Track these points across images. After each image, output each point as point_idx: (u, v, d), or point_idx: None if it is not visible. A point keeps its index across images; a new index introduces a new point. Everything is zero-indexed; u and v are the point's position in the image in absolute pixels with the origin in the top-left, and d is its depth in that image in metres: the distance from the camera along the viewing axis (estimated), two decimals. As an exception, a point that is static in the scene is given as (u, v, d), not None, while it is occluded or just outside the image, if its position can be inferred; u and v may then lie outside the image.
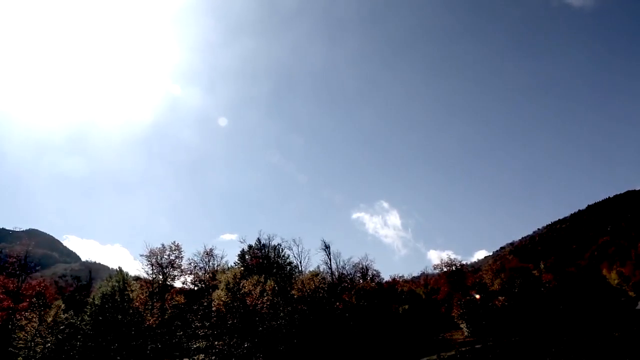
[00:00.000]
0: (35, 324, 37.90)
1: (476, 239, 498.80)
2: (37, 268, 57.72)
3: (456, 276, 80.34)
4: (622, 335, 42.25)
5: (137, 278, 50.81)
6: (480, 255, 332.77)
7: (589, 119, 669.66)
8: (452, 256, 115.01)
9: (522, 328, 57.34)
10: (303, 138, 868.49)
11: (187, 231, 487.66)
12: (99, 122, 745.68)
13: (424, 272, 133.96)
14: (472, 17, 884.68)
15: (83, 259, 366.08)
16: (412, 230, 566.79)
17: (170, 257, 49.05)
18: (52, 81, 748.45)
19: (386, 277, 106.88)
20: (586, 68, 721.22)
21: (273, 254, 62.42)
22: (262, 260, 60.42)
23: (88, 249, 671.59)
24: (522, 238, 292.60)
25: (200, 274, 56.38)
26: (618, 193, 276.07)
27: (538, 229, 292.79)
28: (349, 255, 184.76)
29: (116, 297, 40.56)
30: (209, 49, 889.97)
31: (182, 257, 49.36)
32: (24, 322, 38.31)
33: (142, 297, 43.40)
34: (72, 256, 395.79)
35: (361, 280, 69.26)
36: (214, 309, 42.87)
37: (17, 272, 50.81)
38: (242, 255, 62.20)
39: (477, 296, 70.87)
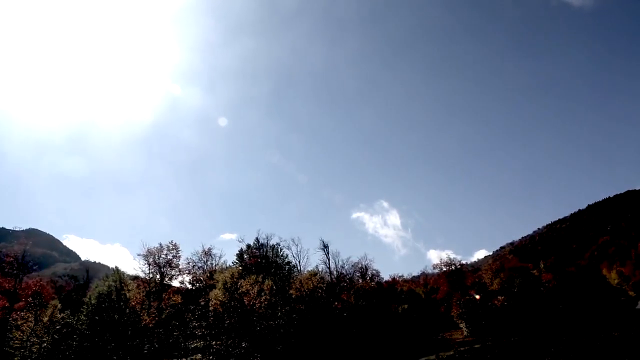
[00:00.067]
0: (31, 324, 37.67)
1: (476, 239, 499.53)
2: (35, 267, 57.57)
3: (455, 276, 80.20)
4: (622, 335, 42.03)
5: (135, 277, 50.63)
6: (480, 255, 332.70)
7: (589, 119, 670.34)
8: (452, 256, 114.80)
9: (521, 328, 57.11)
10: (303, 138, 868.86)
11: (187, 231, 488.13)
12: (99, 122, 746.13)
13: (423, 272, 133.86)
14: (472, 17, 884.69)
15: (83, 259, 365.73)
16: (412, 230, 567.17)
17: (168, 257, 49.02)
18: (52, 81, 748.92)
19: (386, 276, 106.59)
20: (586, 68, 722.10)
21: (271, 253, 62.22)
22: (261, 259, 60.22)
23: (88, 248, 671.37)
24: (522, 238, 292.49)
25: (198, 273, 56.28)
26: (618, 193, 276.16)
27: (538, 228, 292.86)
28: (348, 255, 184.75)
29: (112, 297, 40.35)
30: (209, 49, 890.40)
31: (179, 257, 49.33)
32: (19, 322, 38.07)
33: (139, 296, 43.18)
34: (72, 256, 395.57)
35: (360, 280, 69.10)
36: (211, 308, 42.62)
37: (14, 272, 50.65)
38: (240, 255, 62.00)
39: (477, 296, 70.64)
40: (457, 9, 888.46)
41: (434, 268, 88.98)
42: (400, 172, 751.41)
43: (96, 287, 43.56)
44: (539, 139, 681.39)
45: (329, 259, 60.91)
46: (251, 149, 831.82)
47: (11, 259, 50.61)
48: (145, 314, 42.05)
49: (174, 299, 44.91)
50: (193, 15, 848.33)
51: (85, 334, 38.64)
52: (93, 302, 40.51)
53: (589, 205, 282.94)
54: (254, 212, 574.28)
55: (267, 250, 61.95)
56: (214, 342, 41.88)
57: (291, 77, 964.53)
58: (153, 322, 41.98)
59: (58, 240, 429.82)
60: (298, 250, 62.53)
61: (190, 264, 56.18)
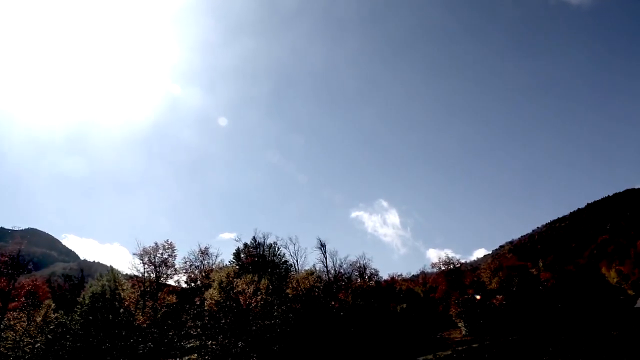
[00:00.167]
0: (24, 324, 37.25)
1: (475, 238, 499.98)
2: (30, 267, 57.04)
3: (454, 275, 79.80)
4: (621, 334, 41.74)
5: (132, 277, 50.27)
6: (479, 254, 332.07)
7: (588, 119, 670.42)
8: (451, 255, 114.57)
9: (520, 327, 56.85)
10: (303, 138, 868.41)
11: (187, 231, 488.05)
12: (99, 122, 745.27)
13: (422, 271, 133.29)
14: (472, 17, 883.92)
15: (82, 258, 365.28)
16: (412, 229, 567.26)
17: (164, 256, 48.52)
18: (52, 81, 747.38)
19: (385, 275, 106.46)
20: (586, 68, 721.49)
21: (268, 252, 61.83)
22: (258, 259, 59.84)
23: (87, 248, 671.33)
24: (522, 237, 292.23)
25: (196, 272, 55.88)
26: (617, 192, 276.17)
27: (537, 227, 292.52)
28: (347, 254, 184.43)
29: (106, 296, 39.95)
30: (209, 49, 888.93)
31: (175, 256, 48.87)
32: (12, 322, 37.63)
33: (134, 296, 42.77)
34: (72, 255, 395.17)
35: (358, 279, 68.69)
36: (206, 308, 42.27)
37: (10, 272, 50.20)
38: (237, 254, 61.61)
39: (478, 296, 70.31)
40: (457, 9, 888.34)
41: (432, 267, 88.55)
42: (399, 171, 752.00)
43: (90, 287, 43.16)
44: (539, 139, 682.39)
45: (326, 258, 60.51)
46: (251, 149, 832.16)
47: (6, 259, 50.16)
48: (140, 314, 41.65)
49: (168, 298, 44.47)
50: (193, 15, 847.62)
51: (78, 334, 38.27)
52: (87, 301, 40.12)
53: (588, 204, 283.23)
54: (254, 212, 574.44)
55: (264, 250, 61.58)
56: (209, 342, 41.54)
57: (291, 77, 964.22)
58: (148, 321, 41.55)
59: (57, 240, 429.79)
60: (296, 249, 62.13)
61: (188, 263, 55.86)
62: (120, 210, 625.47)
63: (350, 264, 65.26)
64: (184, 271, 54.35)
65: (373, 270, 69.77)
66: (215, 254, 58.94)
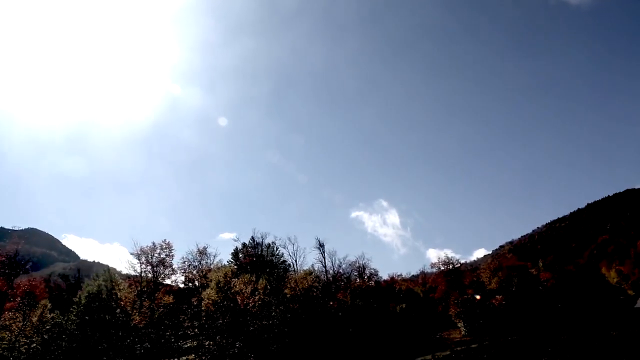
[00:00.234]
0: (19, 324, 37.02)
1: (475, 238, 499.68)
2: (28, 267, 56.89)
3: (453, 275, 79.55)
4: (620, 334, 41.51)
5: (129, 277, 50.01)
6: (479, 254, 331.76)
7: (588, 119, 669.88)
8: (450, 255, 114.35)
9: (519, 327, 56.61)
10: (303, 138, 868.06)
11: (187, 231, 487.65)
12: (99, 122, 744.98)
13: (422, 271, 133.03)
14: (472, 17, 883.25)
15: (82, 258, 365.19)
16: (412, 229, 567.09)
17: (161, 256, 48.24)
18: (52, 81, 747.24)
19: (385, 275, 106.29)
20: (586, 68, 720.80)
21: (266, 252, 61.58)
22: (256, 258, 59.59)
23: (87, 248, 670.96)
24: (522, 237, 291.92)
25: (194, 272, 55.60)
26: (617, 192, 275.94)
27: (538, 227, 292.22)
28: (346, 254, 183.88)
29: (102, 296, 39.70)
30: (209, 49, 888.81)
31: (173, 256, 48.52)
32: (8, 322, 37.38)
33: (131, 296, 42.52)
34: (71, 255, 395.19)
35: (358, 279, 68.45)
36: (203, 308, 42.04)
37: (7, 272, 49.99)
38: (235, 254, 61.36)
39: (478, 296, 70.08)
40: (457, 9, 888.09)
41: (431, 267, 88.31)
42: (399, 171, 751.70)
43: (87, 287, 42.93)
44: (539, 139, 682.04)
45: (324, 258, 60.24)
46: (251, 149, 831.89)
47: (3, 259, 49.95)
48: (137, 314, 41.40)
49: (164, 299, 44.21)
50: (193, 15, 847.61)
51: (74, 334, 38.03)
52: (83, 301, 39.88)
53: (588, 204, 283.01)
54: (254, 212, 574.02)
55: (262, 250, 61.33)
56: (207, 342, 41.34)
57: (291, 77, 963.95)
58: (144, 321, 41.31)
59: (57, 240, 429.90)
60: (294, 249, 61.79)
61: (186, 262, 55.60)
62: (120, 210, 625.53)
63: (350, 264, 65.07)
64: (182, 271, 54.15)
65: (372, 270, 69.56)
66: (214, 254, 58.67)
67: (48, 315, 39.40)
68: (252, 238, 62.18)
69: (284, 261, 62.17)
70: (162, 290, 46.38)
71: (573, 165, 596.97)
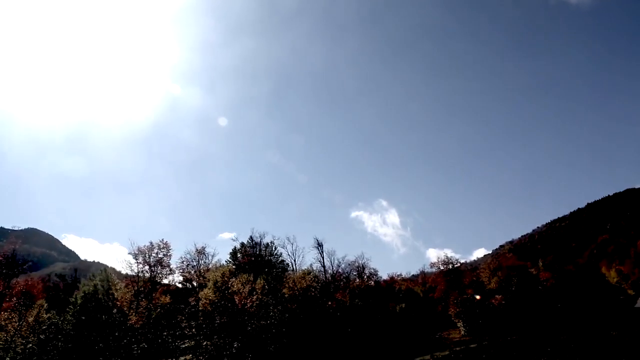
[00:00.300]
0: (15, 324, 36.79)
1: (476, 238, 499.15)
2: (25, 267, 56.72)
3: (453, 274, 79.42)
4: (620, 334, 41.28)
5: (128, 277, 49.79)
6: (479, 253, 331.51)
7: (588, 119, 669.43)
8: (450, 254, 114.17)
9: (519, 327, 56.39)
10: (303, 138, 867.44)
11: (187, 231, 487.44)
12: (99, 122, 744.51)
13: (422, 271, 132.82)
14: (472, 17, 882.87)
15: (82, 258, 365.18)
16: (411, 228, 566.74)
17: (159, 255, 48.05)
18: (52, 81, 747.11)
19: (384, 275, 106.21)
20: (586, 68, 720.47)
21: (265, 252, 61.34)
22: (254, 258, 59.35)
23: (87, 248, 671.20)
24: (522, 236, 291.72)
25: (192, 272, 55.40)
26: (617, 191, 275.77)
27: (538, 227, 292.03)
28: (346, 253, 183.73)
29: (98, 296, 39.50)
30: (209, 49, 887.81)
31: (170, 256, 48.34)
32: (4, 322, 37.14)
33: (127, 296, 42.29)
34: (72, 255, 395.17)
35: (357, 279, 68.28)
36: (200, 308, 41.83)
37: (4, 272, 49.77)
38: (233, 253, 61.11)
39: (478, 297, 69.89)
40: (457, 9, 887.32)
41: (431, 267, 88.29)
42: (399, 171, 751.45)
43: (83, 287, 42.74)
44: (539, 139, 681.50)
45: (323, 258, 60.09)
46: (251, 149, 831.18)
47: (1, 259, 49.74)
48: (134, 314, 41.19)
49: (161, 299, 43.98)
50: (193, 15, 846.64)
51: (71, 334, 37.82)
52: (79, 301, 39.66)
53: (588, 203, 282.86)
54: (254, 212, 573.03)
55: (260, 249, 61.10)
56: (204, 343, 41.13)
57: (291, 77, 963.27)
58: (141, 321, 41.09)
59: (57, 240, 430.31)
60: (293, 248, 61.67)
61: (184, 262, 55.41)
62: (120, 210, 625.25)
63: (349, 264, 64.97)
64: (181, 271, 53.95)
65: (372, 270, 69.46)
66: (212, 254, 58.57)
67: (44, 315, 39.17)
68: (251, 238, 62.05)
69: (283, 261, 62.00)
70: (160, 290, 46.19)
71: (573, 165, 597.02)
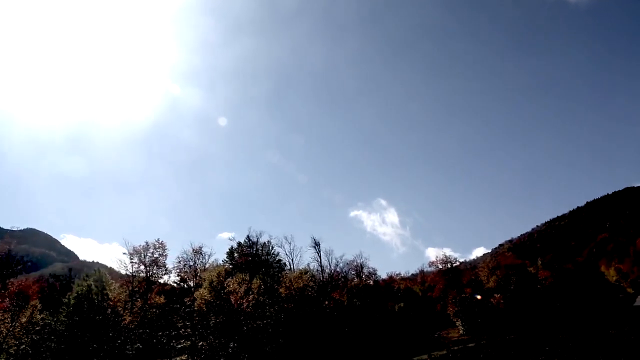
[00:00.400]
0: (8, 325, 36.35)
1: (475, 237, 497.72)
2: (20, 268, 56.44)
3: (452, 274, 79.19)
4: (619, 333, 40.96)
5: (125, 276, 49.38)
6: (478, 252, 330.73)
7: (588, 119, 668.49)
8: (449, 253, 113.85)
9: (518, 326, 56.10)
10: (303, 138, 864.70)
11: (187, 231, 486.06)
12: (99, 122, 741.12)
13: (421, 270, 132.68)
14: (472, 17, 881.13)
15: (81, 258, 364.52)
16: (411, 228, 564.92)
17: (155, 255, 47.74)
18: (52, 81, 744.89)
19: (384, 275, 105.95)
20: (586, 68, 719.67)
21: (262, 251, 60.91)
22: (251, 257, 58.93)
23: (86, 248, 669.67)
24: (521, 235, 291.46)
25: (188, 272, 55.02)
26: (617, 190, 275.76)
27: (537, 226, 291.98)
28: (344, 252, 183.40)
29: (92, 297, 39.10)
30: (209, 49, 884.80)
31: (166, 256, 48.05)
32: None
33: (122, 296, 41.89)
34: (71, 255, 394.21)
35: (355, 278, 67.94)
36: (196, 308, 41.43)
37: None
38: (230, 253, 60.68)
39: (478, 296, 69.60)
40: (457, 9, 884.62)
41: (430, 266, 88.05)
42: (398, 170, 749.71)
43: (76, 287, 42.33)
44: (539, 139, 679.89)
45: (320, 257, 59.69)
46: (251, 149, 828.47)
47: (-4, 259, 49.35)
48: (128, 314, 40.79)
49: (156, 300, 43.58)
50: (193, 15, 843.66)
51: (64, 335, 37.41)
52: (72, 302, 39.25)
53: (587, 202, 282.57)
54: (254, 212, 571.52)
55: (257, 249, 60.68)
56: (200, 343, 40.75)
57: (291, 77, 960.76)
58: (136, 321, 40.70)
59: (57, 240, 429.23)
60: (291, 248, 61.28)
61: (181, 262, 55.03)
62: (120, 210, 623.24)
63: (347, 263, 64.60)
64: (178, 271, 53.57)
65: (371, 269, 69.08)
66: (209, 253, 58.08)
67: (38, 316, 38.76)
68: (248, 237, 61.65)
69: (280, 260, 61.57)
70: (155, 290, 45.77)
71: (572, 164, 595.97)
